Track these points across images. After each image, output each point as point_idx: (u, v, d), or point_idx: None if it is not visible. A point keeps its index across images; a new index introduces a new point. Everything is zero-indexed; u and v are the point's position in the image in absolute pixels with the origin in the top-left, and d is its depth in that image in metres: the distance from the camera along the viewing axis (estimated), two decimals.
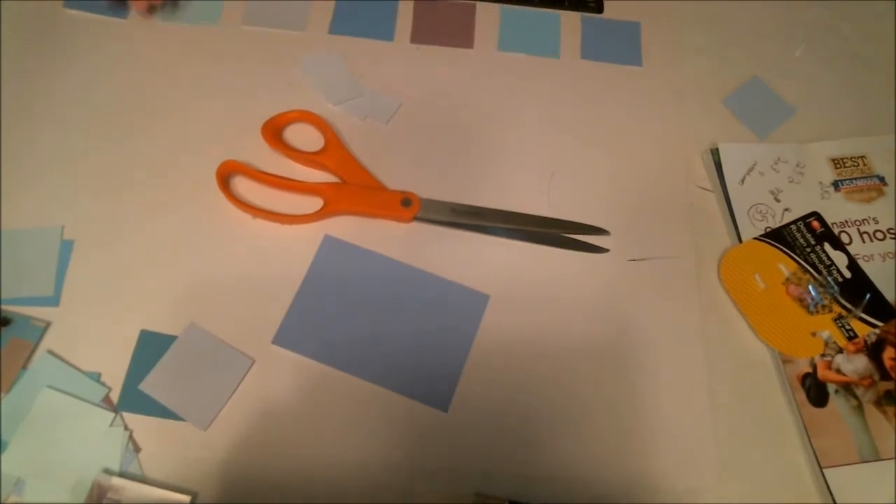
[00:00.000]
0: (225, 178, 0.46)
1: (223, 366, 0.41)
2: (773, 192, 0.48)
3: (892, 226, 0.47)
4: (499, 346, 0.43)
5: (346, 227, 0.46)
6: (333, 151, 0.47)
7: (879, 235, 0.47)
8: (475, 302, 0.44)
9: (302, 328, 0.42)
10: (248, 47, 0.52)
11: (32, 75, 0.49)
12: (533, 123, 0.51)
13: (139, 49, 0.51)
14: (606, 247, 0.46)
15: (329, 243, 0.45)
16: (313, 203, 0.46)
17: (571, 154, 0.50)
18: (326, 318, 0.43)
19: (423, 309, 0.43)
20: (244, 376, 0.41)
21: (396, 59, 0.52)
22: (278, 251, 0.45)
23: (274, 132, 0.48)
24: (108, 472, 0.37)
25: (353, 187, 0.46)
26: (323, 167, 0.47)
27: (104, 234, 0.44)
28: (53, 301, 0.42)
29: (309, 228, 0.45)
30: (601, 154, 0.50)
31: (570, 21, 0.55)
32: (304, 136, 0.49)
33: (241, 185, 0.46)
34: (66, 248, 0.43)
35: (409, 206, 0.46)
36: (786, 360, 0.43)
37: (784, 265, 0.45)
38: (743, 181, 0.48)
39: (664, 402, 0.42)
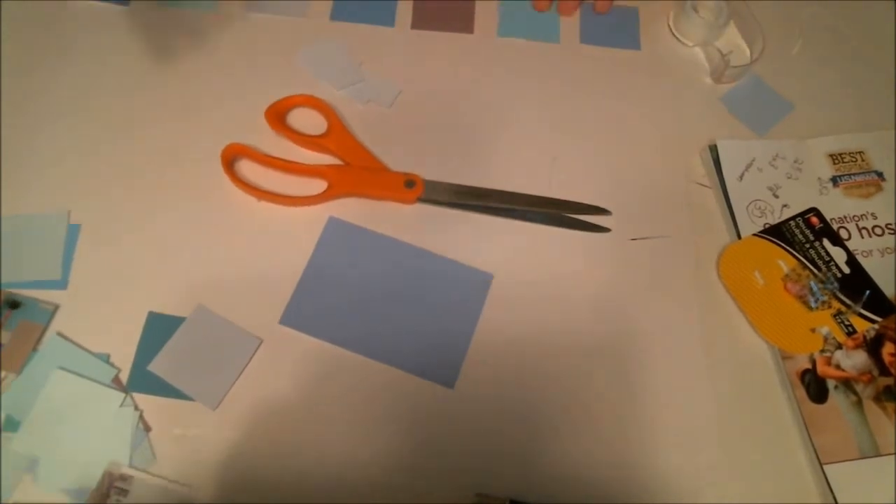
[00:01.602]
0: (230, 161, 0.46)
1: (231, 346, 0.41)
2: (771, 189, 0.48)
3: (891, 221, 0.47)
4: (503, 326, 0.43)
5: (351, 210, 0.46)
6: (337, 134, 0.47)
7: (878, 231, 0.47)
8: (479, 281, 0.44)
9: (308, 308, 0.43)
10: (251, 33, 0.52)
11: (37, 61, 0.49)
12: (531, 113, 0.50)
13: (142, 35, 0.51)
14: (607, 228, 0.47)
15: (333, 225, 0.45)
16: (317, 185, 0.46)
17: (570, 151, 0.49)
18: (332, 298, 0.43)
19: (428, 288, 0.44)
20: (252, 356, 0.41)
21: (397, 44, 0.53)
22: (284, 233, 0.45)
23: (277, 116, 0.48)
24: (116, 463, 0.38)
25: (357, 169, 0.46)
26: (326, 150, 0.47)
27: (111, 218, 0.44)
28: (61, 284, 0.42)
29: (313, 210, 0.46)
30: (600, 152, 0.50)
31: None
32: (307, 120, 0.49)
33: (246, 168, 0.47)
34: (73, 231, 0.44)
35: (412, 188, 0.46)
36: (785, 357, 0.43)
37: (783, 261, 0.45)
38: (741, 177, 0.48)
39: (664, 399, 0.42)
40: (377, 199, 0.46)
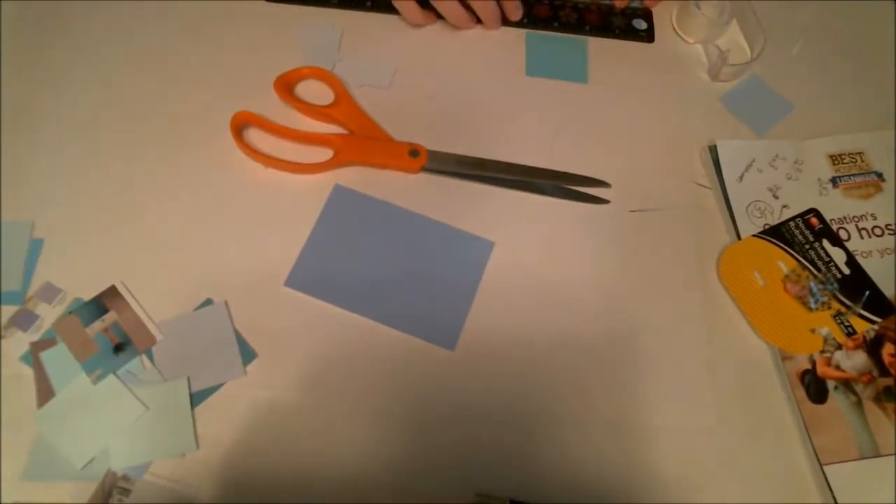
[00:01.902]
0: (238, 128, 0.47)
1: (221, 357, 0.41)
2: (771, 189, 0.48)
3: (891, 222, 0.47)
4: (502, 293, 0.44)
5: (356, 178, 0.47)
6: (343, 105, 0.48)
7: (878, 232, 0.47)
8: (480, 249, 0.45)
9: (313, 271, 0.44)
10: (254, 15, 0.53)
11: (41, 36, 0.51)
12: (529, 112, 0.51)
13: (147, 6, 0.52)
14: (606, 200, 0.48)
15: (339, 192, 0.46)
16: (323, 154, 0.47)
17: (569, 151, 0.49)
18: (337, 261, 0.44)
19: (430, 255, 0.45)
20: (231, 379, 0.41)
21: (399, 28, 0.53)
22: (290, 200, 0.46)
23: (286, 87, 0.49)
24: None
25: (362, 138, 0.47)
26: (333, 120, 0.48)
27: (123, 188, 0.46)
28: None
29: (320, 178, 0.47)
30: (600, 152, 0.50)
31: None
32: (314, 92, 0.50)
33: (254, 136, 0.48)
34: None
35: (416, 157, 0.47)
36: (785, 357, 0.43)
37: (783, 262, 0.45)
38: (741, 178, 0.48)
39: (664, 399, 0.42)
40: (382, 167, 0.47)
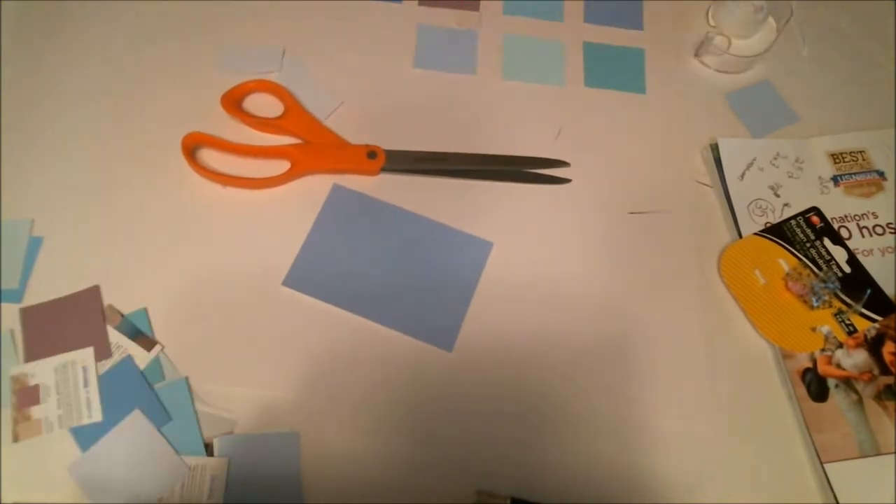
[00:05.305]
0: (191, 150, 0.46)
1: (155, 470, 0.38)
2: (772, 188, 0.48)
3: (892, 220, 0.47)
4: (499, 292, 0.44)
5: (320, 186, 0.46)
6: (294, 115, 0.48)
7: (879, 230, 0.47)
8: (478, 249, 0.45)
9: (311, 271, 0.44)
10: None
11: (42, 36, 0.51)
12: (524, 114, 0.51)
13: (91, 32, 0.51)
14: (568, 179, 0.48)
15: (337, 191, 0.46)
16: (280, 166, 0.46)
17: (569, 150, 0.49)
18: (335, 261, 0.44)
19: (427, 255, 0.45)
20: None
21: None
22: (289, 199, 0.46)
23: (233, 103, 0.48)
24: None
25: (318, 146, 0.47)
26: (285, 131, 0.48)
27: (77, 229, 0.44)
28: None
29: (318, 179, 0.46)
30: (600, 151, 0.50)
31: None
32: (263, 105, 0.49)
33: (207, 156, 0.47)
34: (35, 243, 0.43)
35: (374, 158, 0.46)
36: (786, 356, 0.43)
37: (784, 260, 0.45)
38: (742, 176, 0.48)
39: (664, 398, 0.42)
40: (341, 172, 0.47)
